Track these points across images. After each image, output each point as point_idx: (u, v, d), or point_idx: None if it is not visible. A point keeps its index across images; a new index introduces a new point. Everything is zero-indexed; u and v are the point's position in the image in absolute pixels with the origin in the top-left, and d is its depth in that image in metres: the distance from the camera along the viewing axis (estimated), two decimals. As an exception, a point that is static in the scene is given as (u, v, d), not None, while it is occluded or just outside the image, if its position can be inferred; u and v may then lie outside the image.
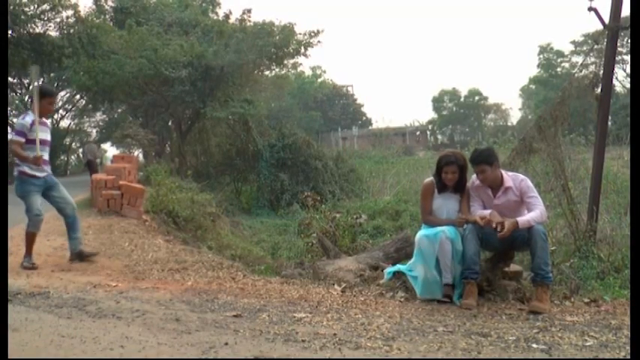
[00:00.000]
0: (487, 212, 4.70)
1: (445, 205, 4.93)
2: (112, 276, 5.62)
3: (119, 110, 32.75)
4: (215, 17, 26.18)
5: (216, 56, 21.03)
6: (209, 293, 4.94)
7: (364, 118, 59.46)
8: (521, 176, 4.97)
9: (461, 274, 4.69)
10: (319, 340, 3.55)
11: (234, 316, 4.15)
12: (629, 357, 3.13)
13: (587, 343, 3.50)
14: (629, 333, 2.80)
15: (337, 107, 55.48)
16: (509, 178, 4.84)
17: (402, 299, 4.80)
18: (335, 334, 3.67)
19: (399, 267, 5.28)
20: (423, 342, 3.54)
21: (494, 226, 4.54)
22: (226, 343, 3.43)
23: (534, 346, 3.46)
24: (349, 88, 59.37)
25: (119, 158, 15.86)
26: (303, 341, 3.51)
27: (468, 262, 4.64)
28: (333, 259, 6.85)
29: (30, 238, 6.01)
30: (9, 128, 6.28)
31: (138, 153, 27.91)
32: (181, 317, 4.06)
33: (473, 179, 4.97)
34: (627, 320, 3.99)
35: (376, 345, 3.45)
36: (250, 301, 4.68)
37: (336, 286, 5.26)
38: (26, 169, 5.76)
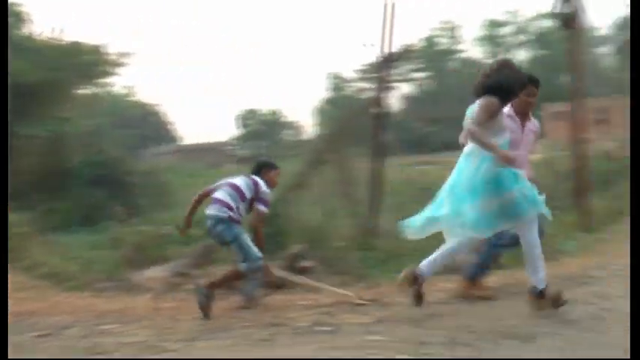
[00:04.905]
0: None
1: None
2: None
3: None
4: (22, 34, 23.50)
5: (24, 72, 18.87)
6: (17, 315, 4.33)
7: (175, 134, 58.27)
8: None
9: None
10: (125, 348, 3.35)
11: (41, 335, 3.76)
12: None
13: (365, 320, 3.78)
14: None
15: (150, 125, 53.54)
16: None
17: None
18: (142, 342, 3.48)
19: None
20: (227, 337, 3.54)
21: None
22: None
23: (322, 328, 3.63)
24: (160, 107, 57.81)
25: None
26: (107, 352, 3.28)
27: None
28: (144, 269, 6.60)
29: (233, 277, 4.55)
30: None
31: None
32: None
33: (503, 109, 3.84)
34: (397, 298, 4.30)
35: (180, 347, 3.35)
36: (61, 318, 4.29)
37: (145, 295, 5.08)
38: (234, 217, 4.51)
